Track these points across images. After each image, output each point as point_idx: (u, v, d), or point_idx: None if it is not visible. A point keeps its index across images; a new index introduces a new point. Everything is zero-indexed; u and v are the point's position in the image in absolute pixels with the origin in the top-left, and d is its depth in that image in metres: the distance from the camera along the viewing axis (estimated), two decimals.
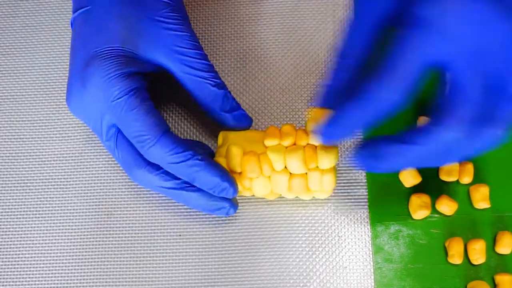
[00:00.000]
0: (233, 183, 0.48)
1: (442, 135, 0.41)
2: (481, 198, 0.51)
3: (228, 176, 0.48)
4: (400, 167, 0.46)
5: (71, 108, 0.50)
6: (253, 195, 0.51)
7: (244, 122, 0.51)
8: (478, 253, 0.49)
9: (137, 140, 0.47)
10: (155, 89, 0.51)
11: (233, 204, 0.50)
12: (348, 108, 0.43)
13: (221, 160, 0.49)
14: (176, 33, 0.50)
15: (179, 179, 0.48)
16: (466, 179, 0.51)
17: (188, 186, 0.49)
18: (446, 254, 0.50)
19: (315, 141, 0.48)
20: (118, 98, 0.47)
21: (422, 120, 0.51)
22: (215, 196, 0.49)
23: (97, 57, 0.48)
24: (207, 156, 0.49)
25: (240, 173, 0.49)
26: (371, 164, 0.44)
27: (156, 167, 0.48)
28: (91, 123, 0.49)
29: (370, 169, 0.46)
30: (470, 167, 0.51)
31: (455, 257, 0.49)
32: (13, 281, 0.51)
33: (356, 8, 0.46)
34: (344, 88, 0.45)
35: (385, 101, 0.42)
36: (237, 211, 0.51)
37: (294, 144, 0.49)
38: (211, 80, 0.50)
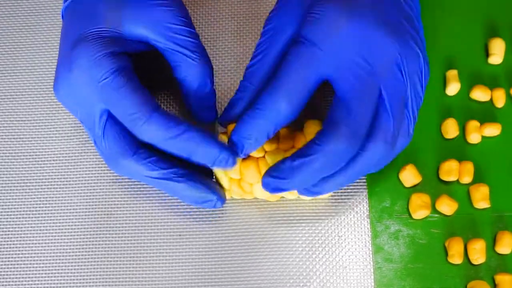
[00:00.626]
0: (232, 154, 0.47)
1: (330, 147, 0.45)
2: (481, 198, 0.51)
3: (226, 147, 0.47)
4: (304, 182, 0.47)
5: (59, 96, 0.49)
6: (255, 198, 0.51)
7: (207, 115, 0.51)
8: (478, 253, 0.49)
9: (129, 119, 0.46)
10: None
11: (220, 196, 0.49)
12: (246, 118, 0.46)
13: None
14: (162, 8, 0.49)
15: (166, 168, 0.48)
16: (466, 178, 0.51)
17: (175, 176, 0.48)
18: (446, 254, 0.50)
19: None
20: (105, 78, 0.46)
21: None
22: (203, 187, 0.48)
23: (81, 40, 0.47)
24: (202, 128, 0.48)
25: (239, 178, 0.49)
26: (278, 185, 0.46)
27: (143, 156, 0.48)
28: (81, 110, 0.48)
29: (277, 190, 0.47)
30: (470, 167, 0.51)
31: (455, 257, 0.49)
32: (13, 281, 0.51)
33: (265, 33, 0.49)
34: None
35: (278, 112, 0.45)
36: (237, 211, 0.51)
37: (293, 147, 0.49)
38: (194, 59, 0.49)
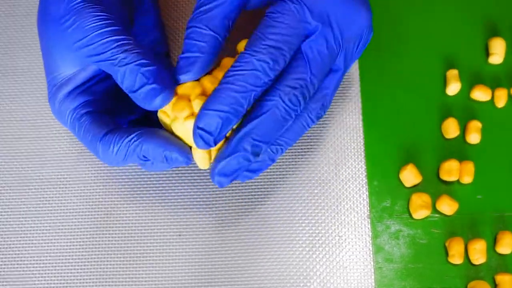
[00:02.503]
0: (182, 151, 0.44)
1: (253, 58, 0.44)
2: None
3: (173, 144, 0.44)
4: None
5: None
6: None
7: (152, 99, 0.43)
8: (478, 253, 0.49)
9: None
10: None
11: (182, 152, 0.44)
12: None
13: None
14: (72, 27, 0.43)
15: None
16: (467, 178, 0.51)
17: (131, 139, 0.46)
18: (447, 254, 0.50)
19: None
20: (69, 123, 0.47)
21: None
22: (161, 143, 0.45)
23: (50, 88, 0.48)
24: (147, 130, 0.45)
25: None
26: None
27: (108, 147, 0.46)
28: None
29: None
30: (470, 167, 0.51)
31: (456, 257, 0.49)
32: (13, 281, 0.51)
33: None
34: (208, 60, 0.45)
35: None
36: (237, 211, 0.51)
37: None
38: (113, 58, 0.42)
